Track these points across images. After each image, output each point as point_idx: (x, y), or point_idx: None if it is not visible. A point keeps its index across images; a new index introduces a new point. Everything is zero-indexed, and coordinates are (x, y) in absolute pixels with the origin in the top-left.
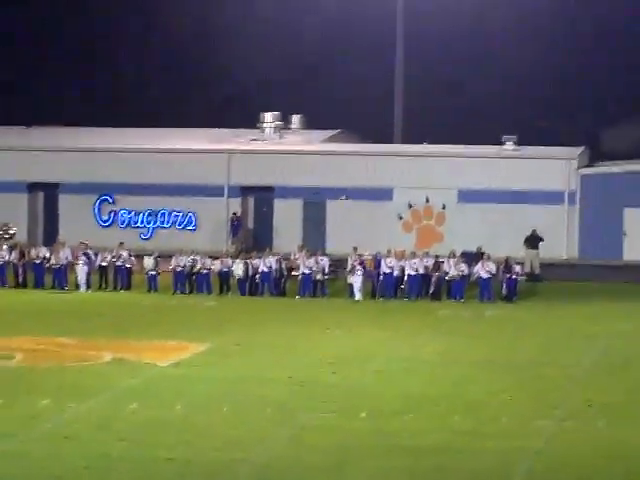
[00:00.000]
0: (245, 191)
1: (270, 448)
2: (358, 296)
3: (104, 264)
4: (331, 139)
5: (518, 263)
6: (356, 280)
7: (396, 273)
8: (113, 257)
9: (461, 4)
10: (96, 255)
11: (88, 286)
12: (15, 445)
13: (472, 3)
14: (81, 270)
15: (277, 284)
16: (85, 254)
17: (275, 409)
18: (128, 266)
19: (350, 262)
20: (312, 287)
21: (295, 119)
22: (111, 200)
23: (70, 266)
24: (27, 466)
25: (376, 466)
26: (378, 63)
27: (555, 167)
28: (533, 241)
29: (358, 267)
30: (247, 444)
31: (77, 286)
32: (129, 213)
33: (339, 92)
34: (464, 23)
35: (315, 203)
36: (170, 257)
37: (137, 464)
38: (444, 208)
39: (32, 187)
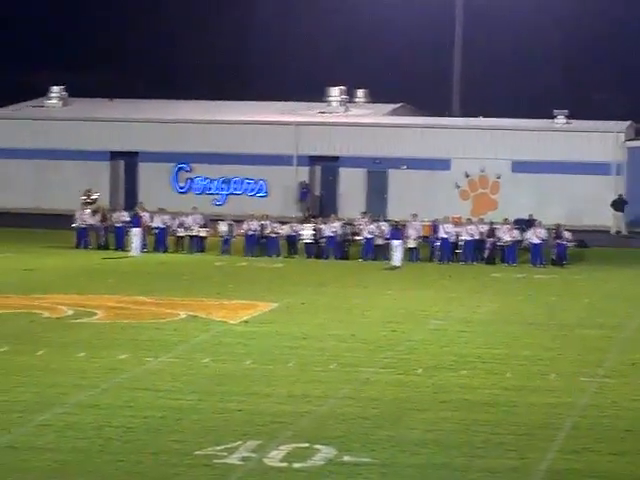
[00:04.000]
0: (312, 160)
1: (333, 401)
2: (395, 262)
3: (180, 235)
4: (393, 112)
5: (567, 230)
6: (396, 246)
7: (453, 238)
8: (187, 228)
9: None
10: (173, 220)
11: (142, 249)
12: (94, 395)
13: None
14: (134, 233)
15: (341, 248)
16: (136, 215)
17: (338, 365)
18: (202, 235)
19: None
20: (374, 251)
21: (360, 93)
22: (187, 168)
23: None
24: (104, 415)
25: (431, 419)
26: (438, 39)
27: (603, 140)
28: (619, 204)
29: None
30: (311, 397)
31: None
32: (204, 180)
33: (402, 68)
34: (523, 2)
35: (377, 172)
36: (242, 222)
37: (208, 414)
38: (498, 178)
39: (114, 155)
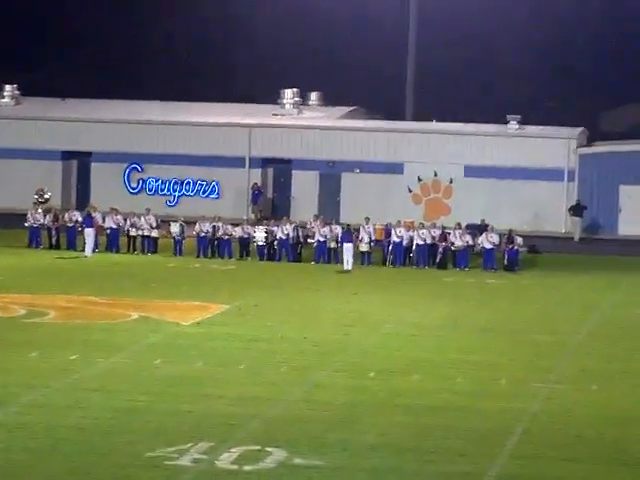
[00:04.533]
0: (265, 163)
1: (284, 404)
2: (346, 265)
3: (132, 235)
4: (347, 115)
5: (519, 235)
6: (347, 249)
7: (405, 242)
8: (139, 228)
9: None
10: (125, 220)
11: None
12: (45, 395)
13: None
14: (87, 234)
15: (294, 250)
16: (89, 216)
17: (289, 368)
18: (154, 236)
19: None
20: (327, 254)
21: (313, 96)
22: (140, 169)
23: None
24: (55, 415)
25: (383, 422)
26: (392, 44)
27: (555, 146)
28: (577, 209)
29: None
30: (262, 400)
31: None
32: (156, 181)
33: (355, 71)
34: (476, 2)
35: (330, 175)
36: (194, 223)
37: (159, 416)
38: (451, 182)
39: (66, 155)
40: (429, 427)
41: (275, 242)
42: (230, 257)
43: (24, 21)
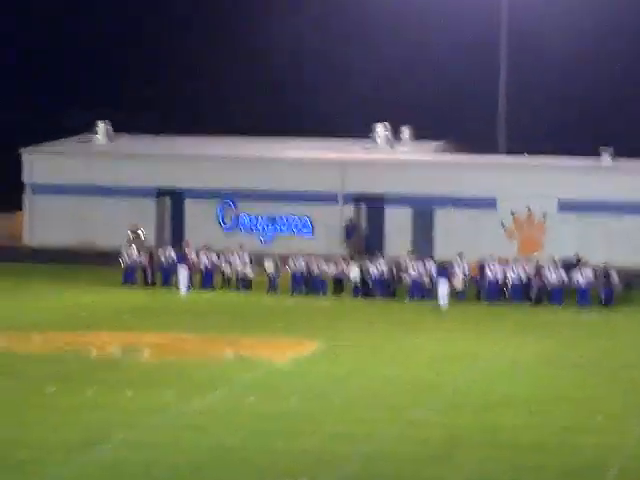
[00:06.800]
0: (358, 199)
1: (379, 441)
2: (441, 301)
3: (227, 271)
4: (437, 149)
5: (614, 271)
6: (441, 286)
7: (499, 278)
8: (233, 265)
9: (566, 17)
10: (219, 257)
11: (188, 287)
12: (141, 434)
13: (576, 17)
14: (181, 271)
15: (387, 287)
16: (182, 253)
17: (383, 404)
18: (248, 273)
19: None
20: (420, 290)
21: (404, 130)
22: (233, 205)
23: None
24: (151, 454)
25: (480, 458)
26: (482, 78)
27: None
28: None
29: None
30: (357, 437)
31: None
32: (250, 218)
33: (446, 105)
34: (568, 38)
35: (423, 211)
36: (287, 257)
37: (253, 453)
38: (545, 217)
39: (160, 193)
40: (524, 463)
41: (369, 279)
42: (324, 294)
43: (111, 59)
